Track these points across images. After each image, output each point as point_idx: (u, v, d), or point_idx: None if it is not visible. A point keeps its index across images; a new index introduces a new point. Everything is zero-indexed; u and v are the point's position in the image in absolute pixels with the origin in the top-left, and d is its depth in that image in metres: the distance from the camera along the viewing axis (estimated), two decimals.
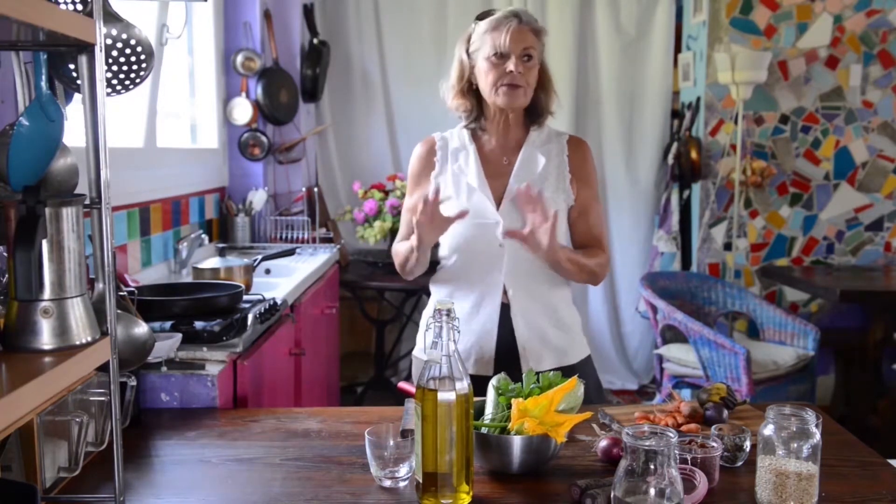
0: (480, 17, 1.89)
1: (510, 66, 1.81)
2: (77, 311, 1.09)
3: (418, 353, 2.01)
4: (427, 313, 1.98)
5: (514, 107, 1.87)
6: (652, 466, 1.08)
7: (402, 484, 1.34)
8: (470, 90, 1.90)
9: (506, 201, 1.88)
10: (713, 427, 1.43)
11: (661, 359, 3.90)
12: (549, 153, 1.93)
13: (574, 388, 1.40)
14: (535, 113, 1.93)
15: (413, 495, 1.30)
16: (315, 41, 4.28)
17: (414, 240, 1.83)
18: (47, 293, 1.07)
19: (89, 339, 1.10)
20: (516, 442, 1.35)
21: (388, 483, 1.34)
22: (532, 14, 1.90)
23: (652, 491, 1.08)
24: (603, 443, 1.44)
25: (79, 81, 1.23)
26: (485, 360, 1.89)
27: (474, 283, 1.90)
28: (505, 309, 1.89)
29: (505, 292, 1.89)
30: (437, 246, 1.98)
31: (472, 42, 1.88)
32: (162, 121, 3.17)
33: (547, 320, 1.92)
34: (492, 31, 1.83)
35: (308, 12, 4.31)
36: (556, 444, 1.36)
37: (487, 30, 1.84)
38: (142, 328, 1.45)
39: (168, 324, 1.92)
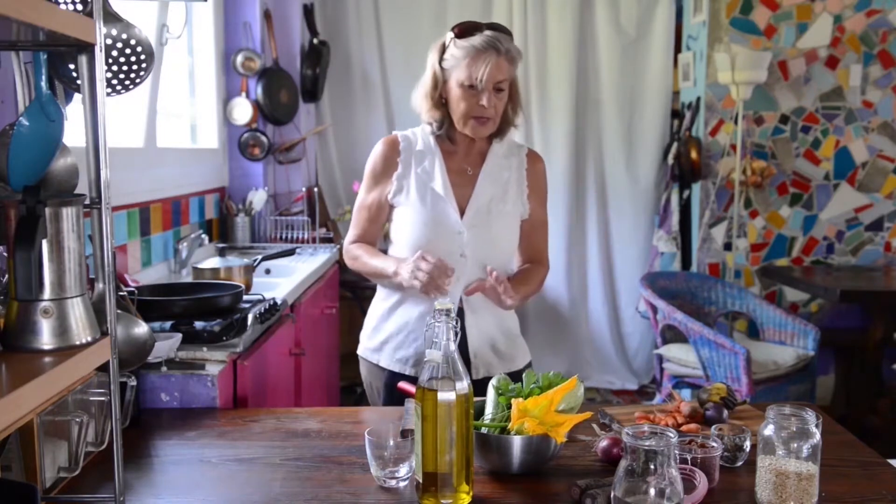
0: (458, 34, 1.85)
1: (483, 101, 1.82)
2: (77, 311, 1.09)
3: (366, 353, 2.07)
4: (376, 311, 2.07)
5: (481, 137, 1.91)
6: (652, 466, 1.08)
7: (402, 484, 1.34)
8: (441, 102, 1.90)
9: (469, 212, 1.90)
10: (713, 427, 1.43)
11: (661, 359, 3.90)
12: (511, 165, 1.98)
13: (574, 388, 1.41)
14: (500, 126, 1.94)
15: (413, 495, 1.30)
16: (315, 41, 4.28)
17: (392, 270, 1.86)
18: (47, 293, 1.07)
19: (89, 339, 1.10)
20: (516, 442, 1.35)
21: (388, 483, 1.34)
22: (509, 36, 1.86)
23: (652, 491, 1.08)
24: (603, 443, 1.44)
25: (79, 81, 1.23)
26: None
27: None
28: (459, 315, 1.89)
29: (460, 300, 1.91)
30: (385, 237, 2.04)
31: (446, 56, 1.87)
32: (162, 121, 3.17)
33: (496, 328, 1.97)
34: (469, 60, 1.82)
35: (308, 12, 4.31)
36: (556, 444, 1.36)
37: (464, 57, 1.82)
38: (142, 328, 1.45)
39: (168, 324, 1.92)
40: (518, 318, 2.10)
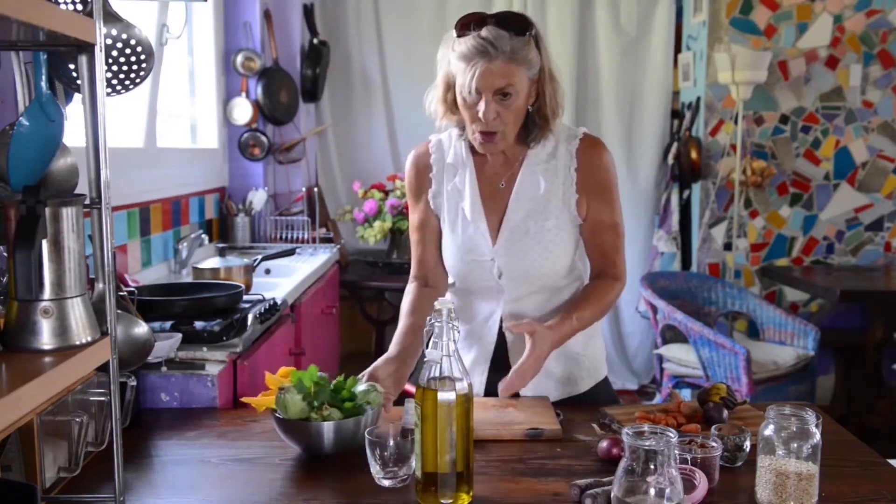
0: (459, 31, 1.59)
1: (480, 109, 1.56)
2: (77, 311, 1.09)
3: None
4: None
5: (489, 153, 1.68)
6: (652, 466, 1.08)
7: (402, 484, 1.34)
8: (455, 105, 1.65)
9: (502, 235, 1.70)
10: (713, 427, 1.43)
11: (661, 359, 3.90)
12: (555, 170, 1.69)
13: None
14: (528, 129, 1.67)
15: (413, 495, 1.30)
16: (315, 41, 4.28)
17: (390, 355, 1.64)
18: (47, 293, 1.07)
19: (89, 339, 1.10)
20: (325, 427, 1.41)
21: (387, 483, 1.34)
22: (515, 31, 1.55)
23: (652, 491, 1.08)
24: (603, 443, 1.44)
25: (79, 81, 1.23)
26: (476, 387, 1.76)
27: (470, 313, 1.77)
28: (501, 340, 1.76)
29: (500, 325, 1.75)
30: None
31: (450, 57, 1.61)
32: (162, 121, 3.17)
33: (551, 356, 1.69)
34: (461, 62, 1.56)
35: (308, 12, 4.31)
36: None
37: (458, 59, 1.57)
38: (142, 328, 1.45)
39: (168, 324, 1.92)
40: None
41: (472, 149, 1.72)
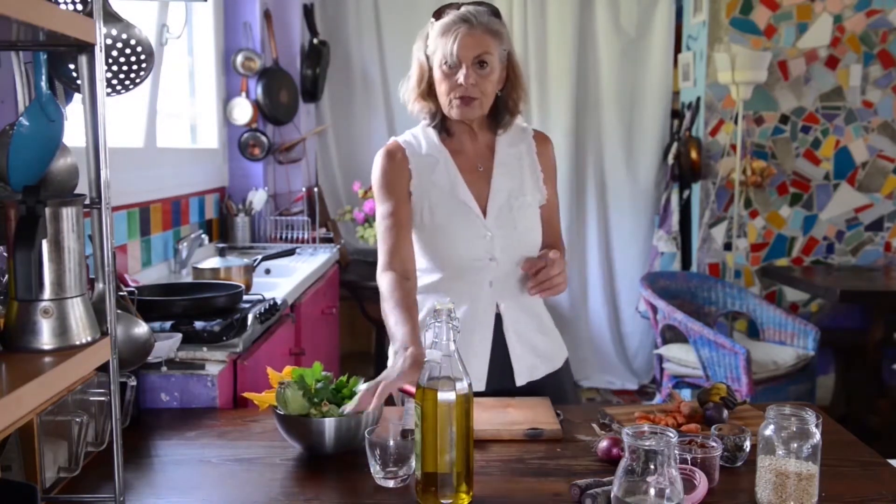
0: (437, 15, 1.76)
1: (460, 77, 1.70)
2: (77, 311, 1.09)
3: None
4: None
5: (468, 119, 1.78)
6: (652, 466, 1.08)
7: (402, 484, 1.34)
8: (430, 93, 1.78)
9: (490, 212, 1.79)
10: (713, 427, 1.43)
11: (661, 359, 3.90)
12: (521, 153, 1.86)
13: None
14: (499, 114, 1.81)
15: (413, 495, 1.30)
16: (315, 41, 4.28)
17: (394, 347, 1.61)
18: (47, 293, 1.07)
19: (89, 339, 1.10)
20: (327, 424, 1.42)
21: (389, 483, 1.34)
22: (489, 10, 1.74)
23: (652, 491, 1.08)
24: (603, 443, 1.44)
25: (79, 81, 1.23)
26: (476, 376, 1.75)
27: (464, 299, 1.80)
28: (497, 321, 1.82)
29: (496, 305, 1.81)
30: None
31: (428, 43, 1.77)
32: (162, 121, 3.17)
33: (534, 329, 1.87)
34: (441, 36, 1.71)
35: (308, 12, 4.31)
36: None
37: (439, 34, 1.72)
38: (142, 328, 1.45)
39: (168, 324, 1.92)
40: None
41: (441, 139, 1.83)
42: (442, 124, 1.82)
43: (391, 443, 1.35)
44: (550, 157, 1.91)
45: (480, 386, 1.79)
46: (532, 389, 1.83)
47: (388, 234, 1.79)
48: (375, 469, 1.35)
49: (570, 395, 1.93)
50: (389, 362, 1.62)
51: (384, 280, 1.75)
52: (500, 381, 1.80)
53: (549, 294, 1.76)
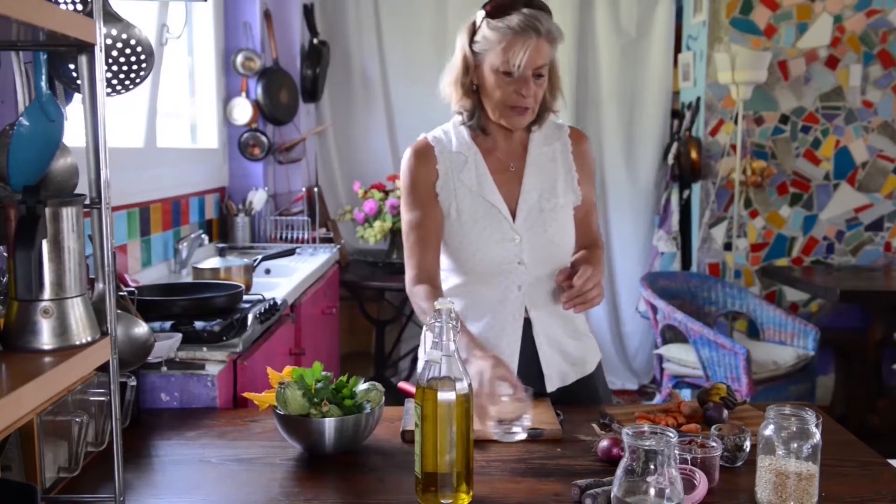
0: (491, 12, 1.64)
1: (522, 90, 1.64)
2: (77, 311, 1.09)
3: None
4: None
5: (518, 128, 1.74)
6: (652, 466, 1.08)
7: (518, 437, 1.44)
8: (472, 89, 1.71)
9: (520, 215, 1.74)
10: (713, 427, 1.43)
11: (661, 359, 3.90)
12: (555, 153, 1.80)
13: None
14: (538, 114, 1.76)
15: (412, 495, 1.30)
16: (315, 41, 4.28)
17: (462, 354, 1.52)
18: (47, 293, 1.07)
19: (89, 339, 1.10)
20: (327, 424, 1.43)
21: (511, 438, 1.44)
22: (548, 13, 1.67)
23: (652, 491, 1.08)
24: (603, 443, 1.44)
25: (79, 81, 1.23)
26: None
27: (491, 303, 1.75)
28: (526, 326, 1.76)
29: (525, 310, 1.76)
30: None
31: (477, 39, 1.66)
32: (162, 121, 3.17)
33: (565, 333, 1.80)
34: (505, 43, 1.62)
35: (308, 12, 4.31)
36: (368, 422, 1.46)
37: (500, 40, 1.62)
38: (142, 328, 1.45)
39: (168, 324, 1.92)
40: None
41: (473, 136, 1.77)
42: (478, 122, 1.75)
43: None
44: (587, 156, 1.83)
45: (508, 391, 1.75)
46: (564, 395, 1.78)
47: (415, 249, 1.76)
48: (494, 426, 1.44)
49: (603, 400, 1.88)
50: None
51: (419, 294, 1.72)
52: (531, 388, 1.72)
53: (583, 308, 1.69)
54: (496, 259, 1.73)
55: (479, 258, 1.74)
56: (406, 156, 1.80)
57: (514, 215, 1.75)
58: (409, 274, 1.77)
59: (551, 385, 1.79)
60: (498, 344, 1.74)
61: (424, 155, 1.77)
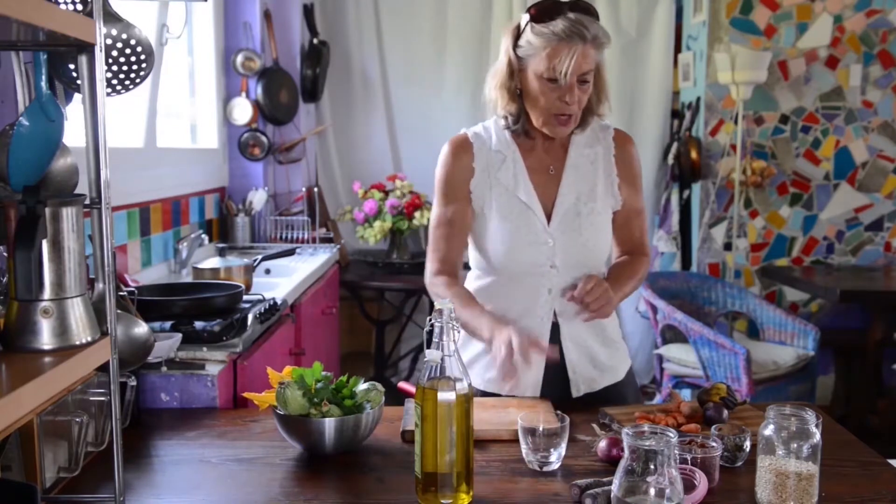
0: (535, 16, 1.60)
1: (566, 97, 1.61)
2: (77, 311, 1.09)
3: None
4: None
5: (561, 136, 1.71)
6: (652, 466, 1.08)
7: (552, 469, 1.40)
8: (517, 94, 1.68)
9: (555, 217, 1.72)
10: (713, 427, 1.43)
11: (661, 359, 3.90)
12: (597, 156, 1.76)
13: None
14: (582, 118, 1.73)
15: (412, 495, 1.30)
16: (315, 41, 4.28)
17: (486, 336, 1.62)
18: (47, 293, 1.07)
19: (89, 339, 1.10)
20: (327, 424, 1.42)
21: (541, 468, 1.39)
22: (594, 17, 1.64)
23: (652, 491, 1.08)
24: (603, 443, 1.44)
25: (79, 81, 1.23)
26: (529, 384, 1.74)
27: (520, 305, 1.73)
28: (554, 330, 1.74)
29: (554, 314, 1.74)
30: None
31: (521, 43, 1.63)
32: (162, 121, 3.17)
33: (595, 339, 1.79)
34: (550, 50, 1.59)
35: (308, 12, 4.31)
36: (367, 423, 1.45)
37: (545, 46, 1.59)
38: (142, 328, 1.45)
39: (168, 324, 1.92)
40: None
41: (513, 135, 1.74)
42: (522, 127, 1.72)
43: (541, 428, 1.39)
44: (631, 160, 1.79)
45: (535, 392, 1.76)
46: (592, 400, 1.76)
47: (440, 243, 1.76)
48: (528, 453, 1.40)
49: (630, 402, 1.84)
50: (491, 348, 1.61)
51: (439, 283, 1.74)
52: (556, 392, 1.74)
53: (595, 317, 1.68)
54: (527, 261, 1.71)
55: (511, 259, 1.72)
56: (444, 150, 1.77)
57: (549, 217, 1.72)
58: (431, 266, 1.77)
59: (576, 391, 1.77)
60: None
61: (462, 150, 1.74)
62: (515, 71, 1.66)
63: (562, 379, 1.76)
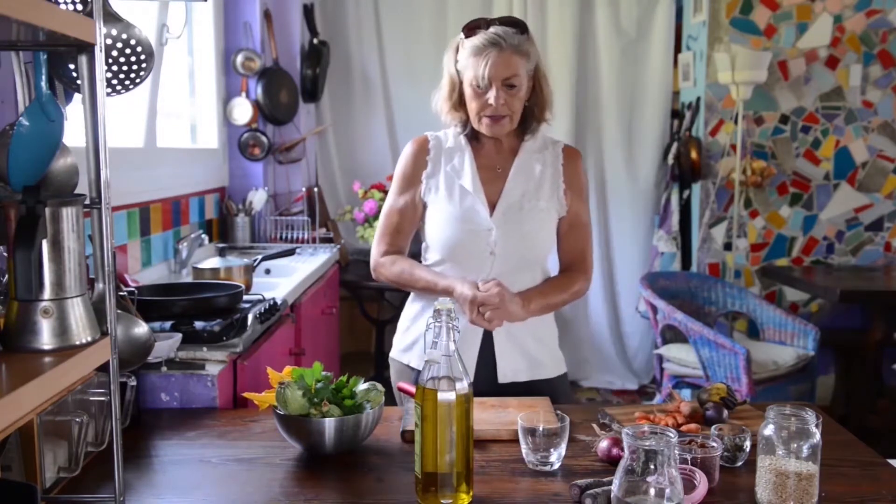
0: (467, 33, 1.80)
1: (490, 98, 1.76)
2: (77, 311, 1.09)
3: (397, 354, 1.97)
4: (408, 313, 1.97)
5: (497, 136, 1.85)
6: (652, 466, 1.08)
7: (554, 467, 1.40)
8: (462, 104, 1.84)
9: (499, 208, 1.84)
10: (713, 427, 1.43)
11: (661, 359, 3.90)
12: (544, 161, 1.89)
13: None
14: (527, 122, 1.88)
15: (412, 495, 1.30)
16: (315, 41, 4.28)
17: (445, 283, 1.79)
18: (47, 293, 1.07)
19: (89, 339, 1.10)
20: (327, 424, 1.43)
21: (542, 468, 1.40)
22: (518, 30, 1.78)
23: (652, 491, 1.08)
24: (603, 443, 1.44)
25: (79, 81, 1.23)
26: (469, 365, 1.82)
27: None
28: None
29: None
30: (416, 241, 1.95)
31: (458, 58, 1.81)
32: (162, 121, 3.17)
33: (526, 331, 1.87)
34: (472, 57, 1.76)
35: (308, 12, 4.31)
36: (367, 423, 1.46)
37: (470, 55, 1.77)
38: (142, 328, 1.45)
39: (168, 324, 1.92)
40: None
41: (467, 139, 1.90)
42: (472, 132, 1.88)
43: (541, 428, 1.39)
44: (578, 172, 1.92)
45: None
46: (516, 392, 1.84)
47: (391, 230, 1.92)
48: (528, 454, 1.40)
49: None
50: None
51: (386, 262, 1.90)
52: (483, 376, 1.83)
53: (483, 325, 1.75)
54: (468, 245, 1.83)
55: (453, 242, 1.84)
56: (406, 147, 1.94)
57: (493, 209, 1.84)
58: (379, 250, 1.93)
59: (503, 377, 1.86)
60: (462, 330, 1.77)
61: (420, 147, 1.92)
62: (456, 84, 1.83)
63: (492, 364, 1.86)
